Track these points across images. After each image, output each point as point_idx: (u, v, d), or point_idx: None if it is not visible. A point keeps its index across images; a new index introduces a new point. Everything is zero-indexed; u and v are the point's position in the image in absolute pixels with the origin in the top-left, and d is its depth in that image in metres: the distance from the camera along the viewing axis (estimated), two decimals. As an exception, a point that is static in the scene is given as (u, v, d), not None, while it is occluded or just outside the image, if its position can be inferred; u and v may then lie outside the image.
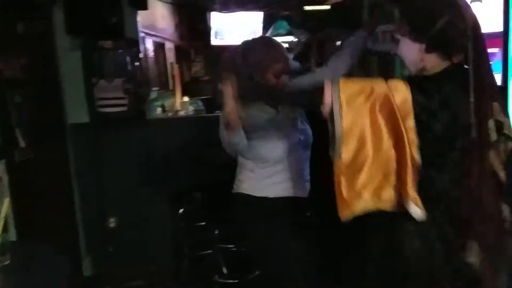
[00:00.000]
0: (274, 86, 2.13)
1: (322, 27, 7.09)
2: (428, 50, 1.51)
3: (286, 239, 2.29)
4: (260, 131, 2.29)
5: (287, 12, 8.23)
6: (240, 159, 2.36)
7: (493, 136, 1.51)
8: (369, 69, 3.28)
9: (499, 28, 2.91)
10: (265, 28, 8.25)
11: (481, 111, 1.45)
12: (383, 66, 3.21)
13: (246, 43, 2.29)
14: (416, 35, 1.51)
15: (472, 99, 1.45)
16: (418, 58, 1.52)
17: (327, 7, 7.68)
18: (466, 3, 1.64)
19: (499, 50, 2.92)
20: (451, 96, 1.47)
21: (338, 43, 4.81)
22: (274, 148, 2.32)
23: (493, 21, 2.91)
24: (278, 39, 8.40)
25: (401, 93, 1.39)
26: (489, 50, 2.89)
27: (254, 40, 2.35)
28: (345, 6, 6.17)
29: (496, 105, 1.53)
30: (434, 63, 1.54)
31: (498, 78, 2.91)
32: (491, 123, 1.50)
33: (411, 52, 1.55)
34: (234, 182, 2.41)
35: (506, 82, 2.92)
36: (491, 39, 2.93)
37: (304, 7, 8.03)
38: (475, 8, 2.85)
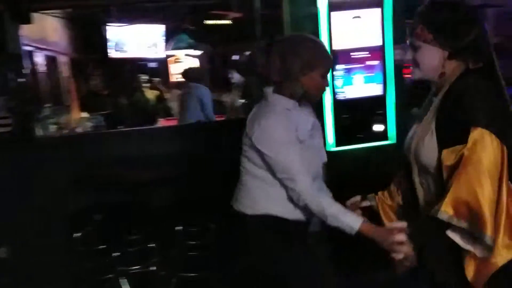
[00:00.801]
0: (320, 87, 1.93)
1: (223, 40, 7.20)
2: (451, 57, 1.58)
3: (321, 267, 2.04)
4: (310, 139, 1.96)
5: (188, 26, 8.27)
6: (267, 175, 1.91)
7: None
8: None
9: (379, 42, 3.17)
10: (166, 41, 8.22)
11: None
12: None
13: (287, 41, 1.97)
14: (441, 43, 1.56)
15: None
16: (440, 64, 1.59)
17: (228, 21, 7.85)
18: None
19: (379, 62, 3.17)
20: None
21: (237, 57, 4.92)
22: (316, 159, 2.01)
23: (372, 36, 3.16)
24: (179, 52, 8.50)
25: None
26: (370, 63, 3.20)
27: (296, 37, 2.03)
28: (243, 20, 6.33)
29: None
30: (453, 69, 1.60)
31: (379, 89, 3.18)
32: None
33: (432, 58, 1.59)
34: (258, 203, 1.94)
35: (385, 92, 3.18)
36: (372, 52, 3.20)
37: (206, 21, 8.12)
38: (356, 24, 3.12)
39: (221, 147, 3.14)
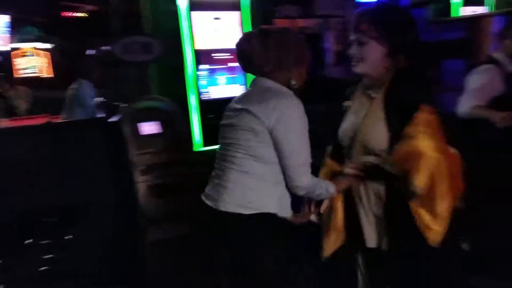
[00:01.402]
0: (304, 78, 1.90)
1: (77, 34, 6.69)
2: (390, 54, 1.72)
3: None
4: None
5: (37, 17, 7.52)
6: (265, 170, 1.79)
7: None
8: (125, 78, 3.19)
9: (239, 44, 3.26)
10: (11, 32, 7.36)
11: None
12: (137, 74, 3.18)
13: (282, 32, 1.89)
14: (384, 40, 1.70)
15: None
16: (381, 60, 1.73)
17: (83, 14, 7.32)
18: None
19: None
20: None
21: (92, 51, 4.59)
22: None
23: (233, 38, 3.22)
24: (26, 45, 7.67)
25: None
26: (232, 64, 3.27)
27: (287, 29, 1.92)
28: (100, 14, 5.95)
29: None
30: (389, 66, 1.74)
31: (241, 90, 3.26)
32: None
33: (376, 54, 1.73)
34: (255, 201, 1.79)
35: (248, 92, 3.28)
36: (233, 53, 3.26)
37: (57, 13, 7.47)
38: (216, 25, 3.16)
39: (73, 149, 2.89)
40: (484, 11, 4.44)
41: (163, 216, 2.61)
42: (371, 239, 1.79)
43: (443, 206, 1.64)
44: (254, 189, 1.76)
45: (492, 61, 2.67)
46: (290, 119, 1.70)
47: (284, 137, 1.70)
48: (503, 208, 2.42)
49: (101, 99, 3.34)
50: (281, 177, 1.78)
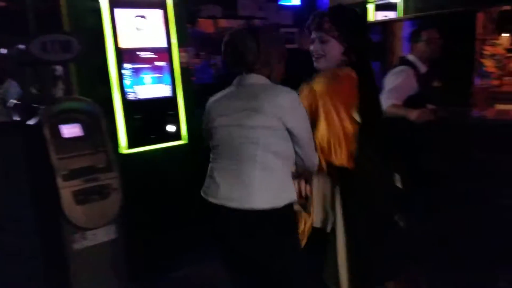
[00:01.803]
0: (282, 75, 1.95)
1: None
2: (347, 52, 1.96)
3: None
4: None
5: None
6: (277, 162, 1.81)
7: None
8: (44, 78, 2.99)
9: (164, 43, 3.20)
10: None
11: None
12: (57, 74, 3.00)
13: (269, 29, 2.06)
14: (343, 40, 1.95)
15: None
16: (338, 56, 1.96)
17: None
18: None
19: (166, 64, 3.20)
20: None
21: (4, 51, 4.24)
22: None
23: (158, 37, 3.17)
24: None
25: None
26: (158, 63, 3.20)
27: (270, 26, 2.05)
28: (12, 10, 5.50)
29: None
30: (343, 62, 1.97)
31: (167, 90, 3.21)
32: None
33: (335, 50, 1.96)
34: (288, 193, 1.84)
35: (175, 93, 3.23)
36: (158, 53, 3.21)
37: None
38: (140, 23, 3.08)
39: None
40: (395, 16, 4.76)
41: (89, 222, 2.49)
42: (317, 219, 1.89)
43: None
44: (281, 182, 1.80)
45: (406, 62, 2.88)
46: (299, 110, 1.79)
47: (300, 129, 1.79)
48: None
49: (14, 101, 3.10)
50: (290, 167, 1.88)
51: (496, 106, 3.06)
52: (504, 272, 2.66)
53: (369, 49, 2.10)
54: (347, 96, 1.87)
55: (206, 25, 5.99)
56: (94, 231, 2.52)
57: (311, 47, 2.02)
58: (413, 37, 2.96)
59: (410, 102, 2.70)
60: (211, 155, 1.91)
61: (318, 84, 1.87)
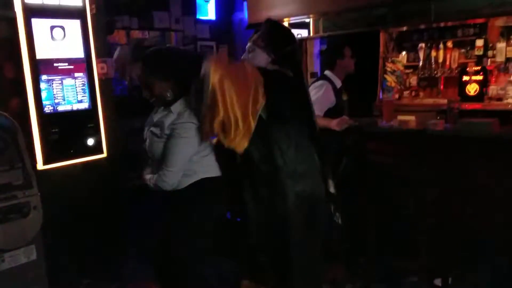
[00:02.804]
0: None
1: None
2: (273, 62, 2.17)
3: None
4: None
5: None
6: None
7: None
8: None
9: (81, 54, 3.10)
10: None
11: None
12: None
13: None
14: (269, 50, 2.16)
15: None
16: (266, 64, 2.17)
17: None
18: None
19: (83, 75, 3.10)
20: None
21: None
22: None
23: (75, 47, 3.06)
24: None
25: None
26: (75, 75, 3.09)
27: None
28: None
29: None
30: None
31: (86, 102, 3.11)
32: None
33: (261, 60, 2.17)
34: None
35: (94, 105, 3.13)
36: (75, 64, 3.10)
37: None
38: (57, 34, 2.97)
39: None
40: (307, 35, 5.07)
41: (7, 243, 2.34)
42: None
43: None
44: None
45: (324, 77, 3.11)
46: None
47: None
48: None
49: None
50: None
51: (398, 117, 3.41)
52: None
53: (296, 60, 2.30)
54: (248, 88, 2.05)
55: (119, 36, 5.88)
56: (13, 253, 2.37)
57: (243, 56, 2.28)
58: (337, 54, 3.17)
59: (329, 113, 2.93)
60: None
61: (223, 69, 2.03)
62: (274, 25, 2.26)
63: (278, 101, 2.07)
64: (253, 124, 2.00)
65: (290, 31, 2.32)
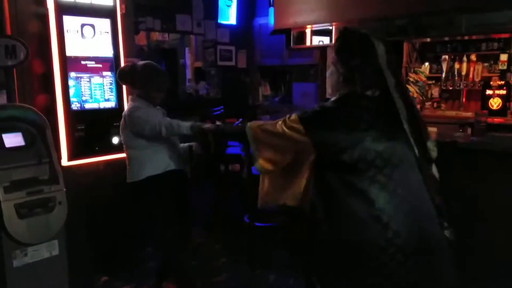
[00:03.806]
0: None
1: None
2: (344, 80, 1.66)
3: None
4: None
5: None
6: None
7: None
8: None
9: (111, 53, 3.13)
10: None
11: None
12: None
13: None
14: (339, 66, 1.68)
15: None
16: (336, 84, 1.70)
17: None
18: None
19: (111, 74, 3.13)
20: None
21: None
22: None
23: (105, 46, 3.09)
24: None
25: None
26: (105, 73, 3.12)
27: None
28: None
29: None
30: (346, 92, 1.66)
31: (113, 101, 3.13)
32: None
33: (332, 78, 1.73)
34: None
35: (121, 104, 3.15)
36: (104, 63, 3.13)
37: None
38: (88, 32, 3.00)
39: None
40: (329, 42, 5.07)
41: (31, 237, 2.34)
42: None
43: None
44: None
45: None
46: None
47: None
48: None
49: None
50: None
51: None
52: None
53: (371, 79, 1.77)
54: None
55: (139, 38, 5.93)
56: (36, 247, 2.37)
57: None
58: None
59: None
60: None
61: None
62: (345, 32, 1.75)
63: None
64: None
65: (364, 36, 1.70)
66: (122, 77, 2.75)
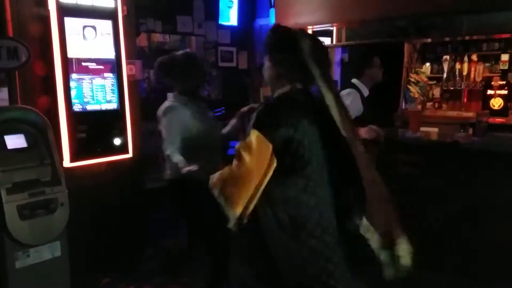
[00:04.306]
0: None
1: None
2: (275, 75, 1.69)
3: None
4: None
5: None
6: None
7: None
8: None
9: (112, 55, 3.14)
10: None
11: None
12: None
13: None
14: (269, 62, 1.70)
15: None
16: (270, 79, 1.72)
17: None
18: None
19: (113, 76, 3.13)
20: None
21: None
22: None
23: (107, 48, 3.10)
24: None
25: None
26: (106, 75, 3.12)
27: None
28: None
29: None
30: (282, 86, 1.68)
31: (114, 103, 3.13)
32: None
33: (266, 73, 1.73)
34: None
35: (122, 106, 3.14)
36: (106, 64, 3.13)
37: None
38: (90, 32, 3.01)
39: None
40: (329, 43, 5.07)
41: (33, 239, 2.35)
42: None
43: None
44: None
45: (352, 86, 3.09)
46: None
47: None
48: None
49: None
50: None
51: (420, 129, 3.38)
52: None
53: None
54: None
55: (140, 39, 5.93)
56: (38, 248, 2.38)
57: None
58: (366, 62, 3.14)
59: (357, 122, 2.89)
60: None
61: None
62: (273, 29, 1.78)
63: None
64: None
65: (288, 33, 1.71)
66: (164, 71, 2.58)
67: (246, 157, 1.54)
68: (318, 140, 1.61)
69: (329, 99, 1.57)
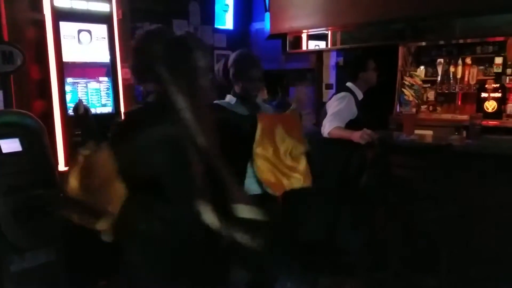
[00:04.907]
0: None
1: None
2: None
3: None
4: None
5: None
6: None
7: None
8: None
9: (107, 59, 3.15)
10: None
11: None
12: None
13: None
14: None
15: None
16: None
17: None
18: None
19: (109, 80, 3.14)
20: None
21: None
22: None
23: (102, 52, 3.11)
24: None
25: None
26: (102, 79, 3.13)
27: None
28: None
29: None
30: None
31: (110, 107, 3.14)
32: None
33: None
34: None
35: (118, 110, 3.15)
36: (102, 68, 3.14)
37: None
38: (85, 37, 3.02)
39: None
40: (324, 47, 5.09)
41: (29, 242, 2.35)
42: None
43: None
44: None
45: (347, 89, 3.10)
46: None
47: None
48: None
49: None
50: None
51: (415, 131, 3.40)
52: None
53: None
54: None
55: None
56: (34, 252, 2.38)
57: None
58: (361, 66, 3.14)
59: (350, 125, 2.91)
60: None
61: None
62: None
63: None
64: None
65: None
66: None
67: None
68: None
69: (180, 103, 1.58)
